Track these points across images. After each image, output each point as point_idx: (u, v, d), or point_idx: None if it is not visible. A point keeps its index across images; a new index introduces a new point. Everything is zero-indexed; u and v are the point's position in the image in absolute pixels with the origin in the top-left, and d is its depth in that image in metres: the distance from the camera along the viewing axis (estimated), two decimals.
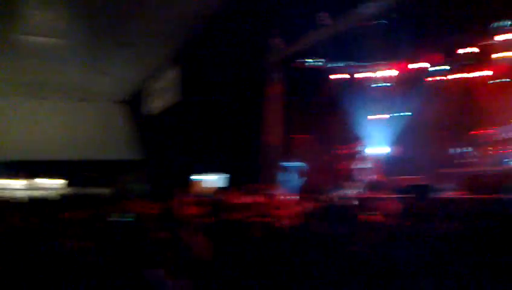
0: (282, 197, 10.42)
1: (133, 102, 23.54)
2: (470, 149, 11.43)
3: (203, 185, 17.26)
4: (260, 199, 9.49)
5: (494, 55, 11.13)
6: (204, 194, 12.85)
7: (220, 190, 14.85)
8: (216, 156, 17.19)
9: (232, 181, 15.31)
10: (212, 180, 17.61)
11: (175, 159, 19.44)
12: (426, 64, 12.49)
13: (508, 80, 11.60)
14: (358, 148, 13.05)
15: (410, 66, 13.03)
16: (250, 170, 13.97)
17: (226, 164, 16.57)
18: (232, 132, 16.05)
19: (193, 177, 17.46)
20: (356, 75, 13.99)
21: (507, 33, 10.27)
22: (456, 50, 11.72)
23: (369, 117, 14.55)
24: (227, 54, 15.98)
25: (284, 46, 13.11)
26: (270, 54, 13.55)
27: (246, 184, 11.48)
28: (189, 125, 18.99)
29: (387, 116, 14.38)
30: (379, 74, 14.15)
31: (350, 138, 13.33)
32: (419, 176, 11.27)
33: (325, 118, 13.36)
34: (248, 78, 14.90)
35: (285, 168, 13.22)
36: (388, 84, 14.36)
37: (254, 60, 14.42)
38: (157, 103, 21.39)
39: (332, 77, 13.88)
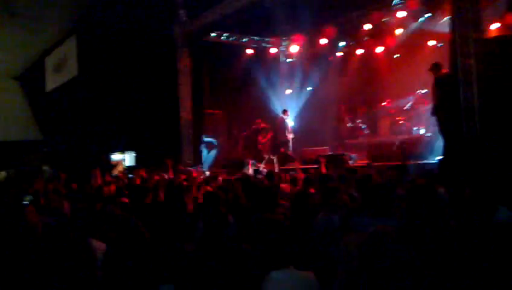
0: (196, 172, 10.31)
1: (29, 78, 21.51)
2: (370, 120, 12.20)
3: (112, 164, 16.45)
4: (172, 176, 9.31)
5: (396, 31, 11.79)
6: (113, 174, 12.28)
7: (129, 168, 14.32)
8: (123, 134, 16.42)
9: (142, 159, 14.77)
10: (120, 159, 16.85)
11: (76, 138, 18.24)
12: (327, 40, 12.87)
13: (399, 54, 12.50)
14: (269, 123, 13.30)
15: (314, 41, 13.38)
16: (161, 147, 13.56)
17: (134, 141, 15.91)
18: (140, 108, 15.40)
19: (100, 156, 16.51)
20: (264, 50, 14.07)
21: (404, 10, 10.93)
22: (360, 25, 12.21)
23: (283, 92, 14.95)
24: (130, 26, 15.16)
25: (191, 19, 12.70)
26: (177, 26, 13.06)
27: (158, 161, 11.19)
28: (91, 102, 17.87)
29: (291, 90, 14.85)
30: (286, 49, 14.43)
31: (262, 113, 13.51)
32: (326, 148, 11.88)
33: (237, 93, 13.34)
34: (155, 53, 14.30)
35: (199, 144, 13.05)
36: (293, 59, 14.75)
37: (159, 33, 13.84)
38: (55, 79, 19.75)
39: (240, 51, 13.81)
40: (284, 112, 12.44)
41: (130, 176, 10.70)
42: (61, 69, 19.57)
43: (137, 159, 16.18)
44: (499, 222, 2.91)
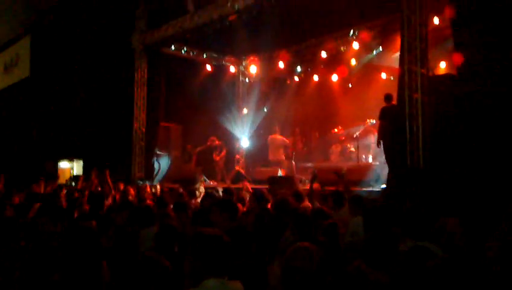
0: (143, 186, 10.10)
1: None
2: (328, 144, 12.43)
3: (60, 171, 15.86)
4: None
5: (351, 61, 12.17)
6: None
7: (75, 177, 13.83)
8: (71, 140, 15.90)
9: (93, 168, 14.32)
10: (67, 167, 16.29)
11: (23, 142, 17.49)
12: (284, 63, 13.10)
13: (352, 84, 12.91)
14: (223, 141, 13.27)
15: (272, 63, 13.58)
16: (111, 157, 13.21)
17: (83, 149, 15.43)
18: (91, 115, 15.00)
19: (48, 162, 15.89)
20: (223, 68, 14.12)
21: (358, 42, 11.35)
22: (317, 53, 12.51)
23: (240, 111, 15.03)
24: (87, 31, 14.87)
25: (151, 30, 12.59)
26: (135, 36, 12.89)
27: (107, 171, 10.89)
28: (41, 105, 17.26)
29: (249, 110, 14.96)
30: (245, 68, 14.54)
31: (218, 130, 13.48)
32: (276, 168, 11.97)
33: (194, 108, 13.24)
34: (112, 60, 14.04)
35: (151, 156, 12.79)
36: (251, 79, 14.89)
37: (118, 41, 13.63)
38: (4, 79, 18.99)
39: (199, 67, 13.79)
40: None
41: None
42: (12, 68, 18.86)
43: (85, 168, 15.69)
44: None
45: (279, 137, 12.12)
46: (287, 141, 12.15)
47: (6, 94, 19.03)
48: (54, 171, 15.94)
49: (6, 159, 17.47)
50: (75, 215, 5.72)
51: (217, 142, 13.13)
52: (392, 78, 11.61)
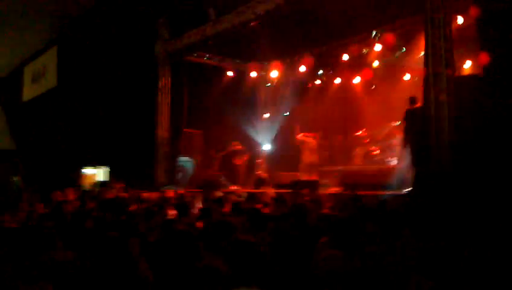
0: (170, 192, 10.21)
1: (5, 87, 21.19)
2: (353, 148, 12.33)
3: (87, 178, 16.16)
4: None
5: (373, 63, 12.06)
6: (87, 188, 12.08)
7: (101, 183, 14.07)
8: (97, 148, 16.20)
9: (117, 174, 14.55)
10: (95, 173, 16.58)
11: (50, 150, 17.91)
12: (306, 68, 13.04)
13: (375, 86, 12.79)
14: (245, 146, 13.32)
15: (294, 68, 13.55)
16: (137, 163, 13.42)
17: (110, 156, 15.70)
18: (116, 122, 15.26)
19: (74, 169, 16.22)
20: (244, 74, 14.16)
21: (381, 44, 11.24)
22: (338, 56, 12.45)
23: (262, 116, 15.08)
24: (111, 40, 15.16)
25: (174, 39, 12.78)
26: (158, 45, 13.11)
27: (134, 178, 11.07)
28: (68, 113, 17.65)
29: (270, 115, 14.99)
30: (266, 73, 14.53)
31: (240, 135, 13.54)
32: (299, 172, 11.94)
33: (216, 114, 13.35)
34: (135, 69, 14.29)
35: (176, 162, 12.95)
36: (272, 84, 14.89)
37: (141, 50, 13.87)
38: (33, 89, 19.49)
39: (221, 73, 13.89)
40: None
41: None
42: (40, 79, 19.36)
43: (111, 174, 15.95)
44: None
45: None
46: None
47: (34, 104, 19.55)
48: (78, 178, 16.27)
49: (34, 167, 17.95)
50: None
51: (238, 147, 13.19)
52: (416, 79, 11.45)
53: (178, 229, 3.76)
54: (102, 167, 16.38)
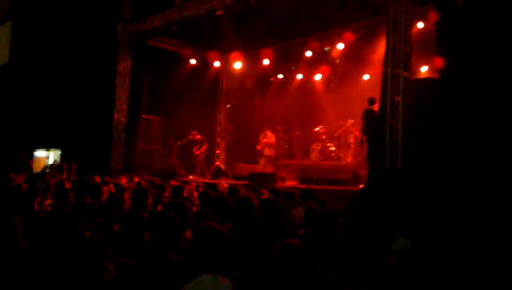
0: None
1: None
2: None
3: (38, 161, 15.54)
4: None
5: (335, 61, 12.30)
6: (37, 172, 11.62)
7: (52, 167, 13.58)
8: (50, 130, 15.62)
9: (68, 157, 14.08)
10: (43, 156, 15.98)
11: (0, 130, 17.09)
12: (269, 61, 13.12)
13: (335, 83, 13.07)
14: (205, 135, 13.24)
15: (257, 60, 13.57)
16: (90, 147, 13.04)
17: (63, 139, 15.17)
18: (71, 104, 14.76)
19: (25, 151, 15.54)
20: (207, 63, 14.03)
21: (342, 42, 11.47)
22: (301, 52, 12.59)
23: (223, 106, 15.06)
24: (70, 18, 14.63)
25: (136, 21, 12.46)
26: (120, 26, 12.73)
27: (87, 163, 10.74)
28: (19, 92, 16.90)
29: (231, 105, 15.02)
30: (229, 64, 14.45)
31: (200, 125, 13.44)
32: (256, 165, 12.04)
33: (177, 101, 13.18)
34: (94, 49, 13.85)
35: (131, 148, 12.68)
36: (235, 75, 14.84)
37: (101, 30, 13.45)
38: None
39: (183, 61, 13.69)
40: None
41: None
42: None
43: (62, 157, 15.43)
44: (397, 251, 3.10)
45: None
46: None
47: None
48: (29, 160, 15.63)
49: None
50: None
51: (198, 136, 13.10)
52: (374, 79, 11.78)
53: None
54: (54, 149, 15.83)
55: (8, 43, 17.57)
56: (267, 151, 12.17)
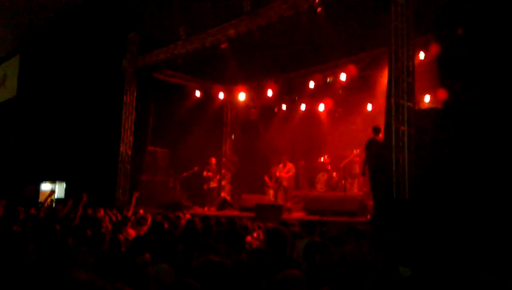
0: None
1: None
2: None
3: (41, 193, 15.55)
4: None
5: (338, 92, 12.42)
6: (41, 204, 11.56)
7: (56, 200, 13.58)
8: (56, 163, 15.69)
9: (74, 191, 14.08)
10: (49, 189, 15.98)
11: (7, 163, 17.18)
12: (273, 92, 13.24)
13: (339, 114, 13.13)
14: (211, 167, 13.24)
15: (261, 92, 13.73)
16: (97, 180, 13.05)
17: (68, 171, 15.22)
18: (77, 137, 14.87)
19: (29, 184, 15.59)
20: (212, 95, 14.20)
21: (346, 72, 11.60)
22: (305, 83, 12.73)
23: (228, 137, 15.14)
24: (77, 53, 14.91)
25: (142, 55, 12.70)
26: (126, 60, 12.97)
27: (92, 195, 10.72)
28: (27, 125, 17.07)
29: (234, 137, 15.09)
30: (234, 95, 14.62)
31: (204, 155, 13.46)
32: (263, 196, 11.97)
33: (182, 133, 13.27)
34: (101, 83, 14.06)
35: (137, 180, 12.66)
36: (240, 107, 14.97)
37: (107, 64, 13.69)
38: None
39: (188, 93, 13.86)
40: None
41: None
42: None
43: (67, 190, 15.45)
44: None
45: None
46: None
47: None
48: (36, 194, 15.65)
49: None
50: None
51: (204, 168, 13.08)
52: (378, 109, 11.84)
53: None
54: (60, 182, 15.85)
55: (16, 77, 17.88)
56: (287, 183, 11.90)
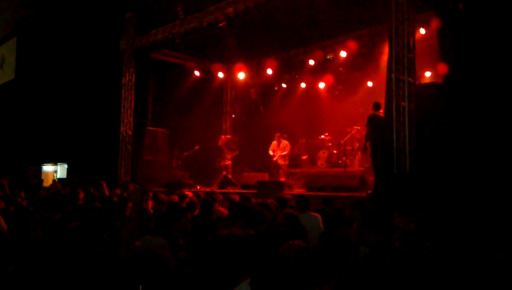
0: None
1: None
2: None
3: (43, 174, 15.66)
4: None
5: (338, 69, 12.40)
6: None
7: (59, 181, 13.70)
8: (57, 144, 15.75)
9: (75, 171, 14.20)
10: (51, 171, 16.09)
11: (8, 145, 17.24)
12: (272, 71, 13.21)
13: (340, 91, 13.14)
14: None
15: (260, 70, 13.69)
16: (97, 161, 13.14)
17: (68, 153, 15.29)
18: (77, 118, 14.90)
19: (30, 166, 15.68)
20: (211, 74, 14.15)
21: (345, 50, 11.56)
22: (304, 61, 12.70)
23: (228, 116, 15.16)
24: (74, 34, 14.81)
25: (140, 35, 12.61)
26: (124, 41, 12.90)
27: (94, 176, 10.83)
28: (26, 107, 17.06)
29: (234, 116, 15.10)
30: (233, 74, 14.57)
31: (204, 134, 13.53)
32: (264, 173, 12.05)
33: (182, 113, 13.29)
34: (99, 64, 14.01)
35: (138, 160, 12.76)
36: (240, 85, 14.95)
37: (105, 45, 13.62)
38: None
39: (187, 72, 13.81)
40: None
41: None
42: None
43: (69, 171, 15.56)
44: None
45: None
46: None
47: None
48: (38, 175, 15.76)
49: None
50: None
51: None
52: (378, 86, 11.85)
53: None
54: (61, 163, 15.95)
55: (14, 59, 17.78)
56: (282, 161, 12.00)
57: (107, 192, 8.69)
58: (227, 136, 13.34)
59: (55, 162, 16.33)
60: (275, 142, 12.20)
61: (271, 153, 12.13)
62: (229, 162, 12.95)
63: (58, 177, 15.60)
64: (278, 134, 12.21)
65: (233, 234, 2.55)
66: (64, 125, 15.23)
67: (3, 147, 17.39)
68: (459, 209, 5.93)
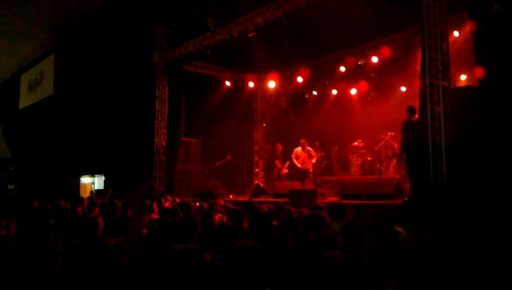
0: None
1: (1, 95, 21.14)
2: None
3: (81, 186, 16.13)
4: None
5: (370, 74, 12.24)
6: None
7: (97, 192, 14.05)
8: (94, 157, 16.20)
9: (112, 183, 14.51)
10: (89, 182, 16.55)
11: (46, 158, 17.86)
12: (303, 78, 13.16)
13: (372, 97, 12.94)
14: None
15: (291, 78, 13.68)
16: (134, 172, 13.42)
17: (106, 165, 15.70)
18: (113, 131, 15.29)
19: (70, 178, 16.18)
20: (242, 84, 14.25)
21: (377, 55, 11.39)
22: (336, 67, 12.60)
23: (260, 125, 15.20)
24: (109, 49, 15.23)
25: (172, 48, 12.87)
26: (156, 54, 13.20)
27: (130, 187, 11.05)
28: (64, 122, 17.64)
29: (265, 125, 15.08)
30: (264, 84, 14.63)
31: (236, 144, 13.60)
32: (296, 182, 11.98)
33: (214, 123, 13.43)
34: (133, 78, 14.36)
35: (172, 171, 12.96)
36: (270, 94, 14.97)
37: (139, 59, 13.96)
38: (29, 97, 19.46)
39: (219, 83, 13.97)
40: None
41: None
42: (37, 87, 19.37)
43: (106, 183, 15.94)
44: None
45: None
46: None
47: (30, 112, 19.53)
48: (76, 187, 16.24)
49: (32, 175, 17.85)
50: None
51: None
52: (412, 91, 11.62)
53: None
54: (98, 175, 16.37)
55: (52, 75, 18.46)
56: (311, 169, 11.99)
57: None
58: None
59: (92, 174, 16.78)
60: (299, 149, 12.12)
61: (295, 160, 12.08)
62: (286, 171, 12.93)
63: (95, 188, 16.01)
64: (302, 140, 12.16)
65: (252, 246, 2.59)
66: (101, 138, 15.66)
67: (44, 159, 18.03)
68: (499, 215, 5.71)
